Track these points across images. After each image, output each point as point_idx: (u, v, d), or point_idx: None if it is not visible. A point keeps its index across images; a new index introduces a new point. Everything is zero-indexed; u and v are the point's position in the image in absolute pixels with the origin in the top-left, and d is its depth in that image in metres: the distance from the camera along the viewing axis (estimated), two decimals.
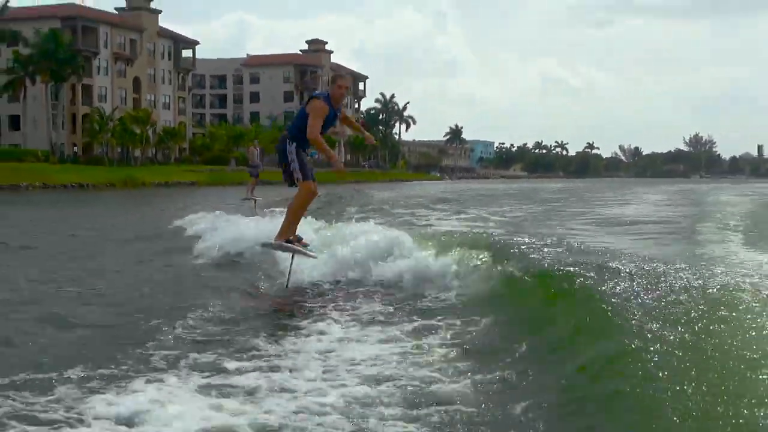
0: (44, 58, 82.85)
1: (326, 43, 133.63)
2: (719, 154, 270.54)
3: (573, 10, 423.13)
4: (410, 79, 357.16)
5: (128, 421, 5.11)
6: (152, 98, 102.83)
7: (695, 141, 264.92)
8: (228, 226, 16.34)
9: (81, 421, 5.12)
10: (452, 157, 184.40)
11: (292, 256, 10.01)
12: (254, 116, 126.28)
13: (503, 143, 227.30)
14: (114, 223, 25.81)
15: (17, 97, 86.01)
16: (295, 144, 9.40)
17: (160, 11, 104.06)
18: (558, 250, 10.50)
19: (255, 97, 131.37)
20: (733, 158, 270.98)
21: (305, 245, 10.00)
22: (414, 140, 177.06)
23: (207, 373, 6.24)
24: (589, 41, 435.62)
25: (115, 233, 20.56)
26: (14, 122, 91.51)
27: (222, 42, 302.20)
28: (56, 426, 5.02)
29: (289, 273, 10.12)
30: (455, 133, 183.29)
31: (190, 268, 12.77)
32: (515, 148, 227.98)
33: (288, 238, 9.66)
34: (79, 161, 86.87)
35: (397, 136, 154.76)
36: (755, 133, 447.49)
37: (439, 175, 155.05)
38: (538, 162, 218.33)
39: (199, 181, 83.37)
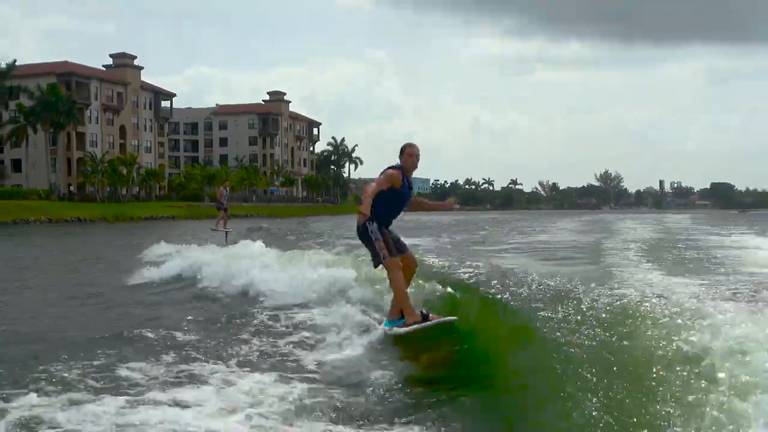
0: (46, 110, 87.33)
1: (285, 93, 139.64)
2: (626, 188, 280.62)
3: (496, 62, 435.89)
4: (354, 123, 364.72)
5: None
6: (136, 143, 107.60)
7: (605, 177, 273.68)
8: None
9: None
10: None
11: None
12: (223, 158, 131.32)
13: (437, 180, 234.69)
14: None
15: (19, 144, 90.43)
16: (375, 224, 8.53)
17: (142, 68, 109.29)
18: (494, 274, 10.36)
19: (224, 142, 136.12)
20: (638, 192, 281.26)
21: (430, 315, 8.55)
22: (360, 178, 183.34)
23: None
24: (510, 89, 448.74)
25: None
26: (16, 165, 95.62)
27: (189, 91, 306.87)
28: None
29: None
30: None
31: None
32: (448, 184, 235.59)
33: (420, 316, 8.42)
34: (74, 199, 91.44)
35: (346, 175, 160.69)
36: (657, 170, 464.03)
37: None
38: (469, 196, 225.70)
39: (178, 215, 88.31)
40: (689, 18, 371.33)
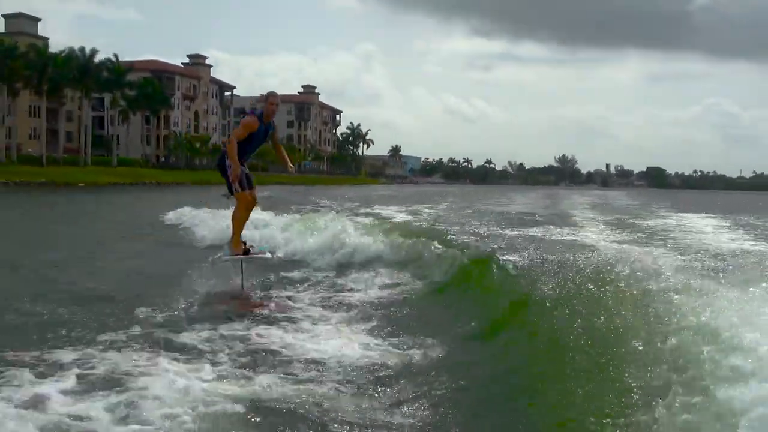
0: (144, 99, 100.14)
1: (315, 87, 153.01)
2: (579, 169, 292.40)
3: (465, 58, 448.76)
4: (345, 107, 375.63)
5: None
6: (206, 124, 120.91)
7: (563, 159, 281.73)
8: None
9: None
10: (393, 168, 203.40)
11: (242, 263, 9.10)
12: None
13: (427, 157, 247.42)
14: None
15: (122, 123, 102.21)
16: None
17: (212, 66, 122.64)
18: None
19: None
20: (589, 172, 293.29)
21: (252, 250, 9.14)
22: (363, 155, 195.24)
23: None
24: (479, 81, 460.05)
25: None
26: (116, 139, 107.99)
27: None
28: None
29: (242, 276, 9.17)
30: (395, 150, 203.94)
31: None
32: (435, 161, 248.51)
33: (242, 249, 8.78)
34: (161, 167, 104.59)
35: (360, 153, 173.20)
36: (605, 154, 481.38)
37: (385, 180, 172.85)
38: (451, 172, 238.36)
39: None
40: (625, 28, 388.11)
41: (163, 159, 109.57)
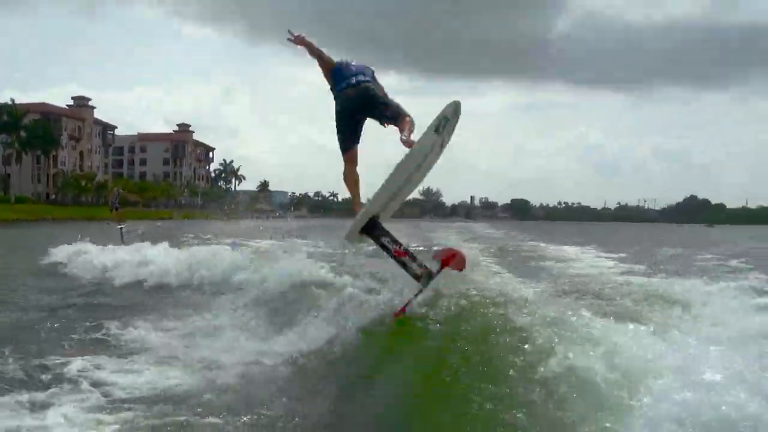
0: (36, 140, 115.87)
1: (190, 125, 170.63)
2: (444, 202, 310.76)
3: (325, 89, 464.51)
4: (210, 140, 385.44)
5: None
6: (90, 163, 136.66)
7: (427, 192, 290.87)
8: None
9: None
10: (261, 203, 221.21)
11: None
12: (143, 175, 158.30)
13: (293, 192, 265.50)
14: None
15: (16, 163, 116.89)
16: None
17: (95, 107, 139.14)
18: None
19: (143, 162, 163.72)
20: (453, 205, 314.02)
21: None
22: (236, 189, 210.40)
23: None
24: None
25: None
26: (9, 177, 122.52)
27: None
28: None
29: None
30: (264, 185, 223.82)
31: None
32: (301, 195, 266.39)
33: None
34: (51, 204, 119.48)
35: (233, 188, 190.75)
36: (470, 186, 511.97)
37: (255, 215, 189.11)
38: (318, 206, 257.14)
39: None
40: (488, 57, 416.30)
41: (53, 196, 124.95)
